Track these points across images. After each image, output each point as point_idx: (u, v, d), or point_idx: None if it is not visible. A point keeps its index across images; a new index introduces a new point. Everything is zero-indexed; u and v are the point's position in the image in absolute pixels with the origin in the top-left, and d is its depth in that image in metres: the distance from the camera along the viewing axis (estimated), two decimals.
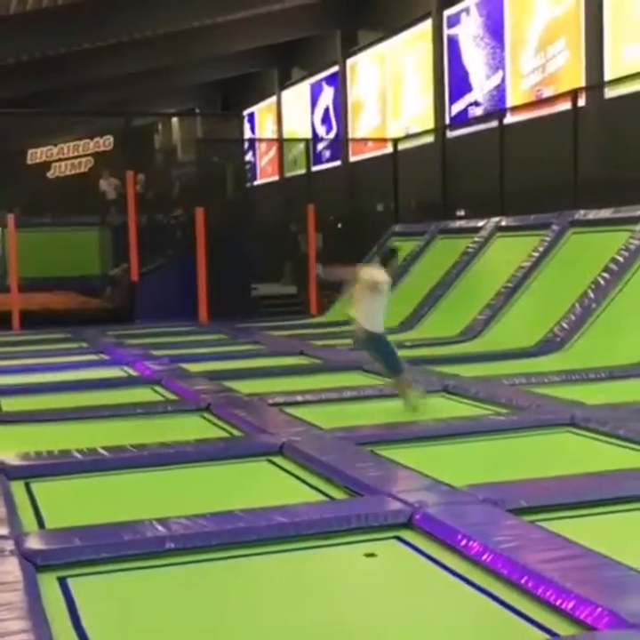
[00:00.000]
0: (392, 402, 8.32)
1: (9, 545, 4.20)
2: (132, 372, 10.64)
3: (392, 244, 8.35)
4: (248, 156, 25.02)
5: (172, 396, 8.90)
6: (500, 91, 19.29)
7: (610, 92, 15.82)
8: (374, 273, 7.84)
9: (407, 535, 4.43)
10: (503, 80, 19.16)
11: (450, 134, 19.74)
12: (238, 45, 27.01)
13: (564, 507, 4.75)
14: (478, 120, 19.13)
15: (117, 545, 4.25)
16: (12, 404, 8.53)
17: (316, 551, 4.33)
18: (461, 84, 20.60)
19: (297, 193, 21.17)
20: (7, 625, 3.32)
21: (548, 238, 13.44)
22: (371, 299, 7.73)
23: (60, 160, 21.74)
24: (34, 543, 4.27)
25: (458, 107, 20.78)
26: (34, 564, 4.04)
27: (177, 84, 31.36)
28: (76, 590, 3.88)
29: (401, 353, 11.36)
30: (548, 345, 11.26)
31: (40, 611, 3.54)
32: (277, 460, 6.12)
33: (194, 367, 10.49)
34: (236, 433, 7.09)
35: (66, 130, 25.08)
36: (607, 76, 16.04)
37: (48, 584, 3.91)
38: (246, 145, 25.99)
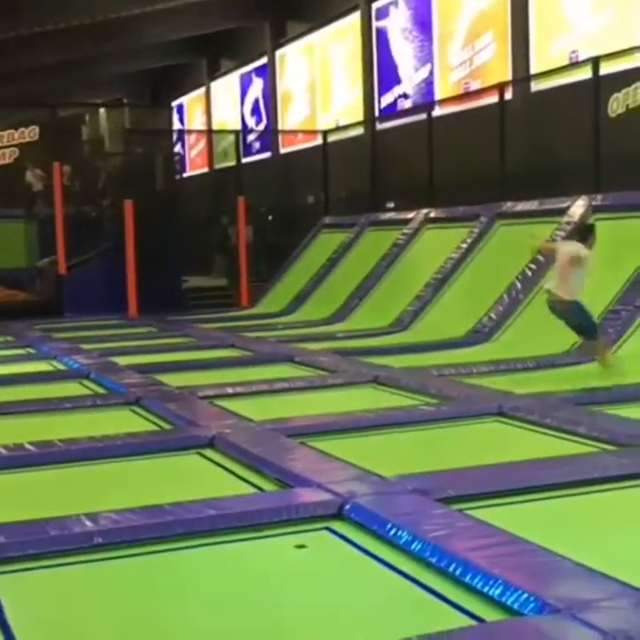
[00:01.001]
0: (322, 393, 8.36)
1: None
2: (61, 366, 10.51)
3: (589, 220, 9.21)
4: (177, 148, 24.82)
5: (101, 390, 8.81)
6: (428, 83, 19.42)
7: (536, 86, 16.03)
8: (576, 248, 8.61)
9: (337, 526, 4.45)
10: (431, 73, 19.29)
11: (379, 126, 19.85)
12: (167, 35, 26.78)
13: (491, 495, 4.80)
14: (407, 112, 19.24)
15: (44, 541, 4.18)
16: None
17: (247, 544, 4.32)
18: (390, 77, 20.68)
19: (227, 185, 21.09)
20: None
21: (476, 230, 13.60)
22: (572, 271, 8.53)
23: None
24: None
25: (387, 99, 20.86)
26: None
27: (105, 75, 30.98)
28: (1, 587, 3.82)
29: (331, 344, 11.47)
30: (477, 335, 11.40)
31: None
32: (208, 452, 6.09)
33: (123, 360, 10.41)
34: (166, 426, 7.05)
35: None
36: (533, 70, 16.24)
37: None
38: (175, 136, 25.77)
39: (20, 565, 4.04)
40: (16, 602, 3.68)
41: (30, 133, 21.23)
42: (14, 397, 8.24)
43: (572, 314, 8.66)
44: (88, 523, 4.33)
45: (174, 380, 8.95)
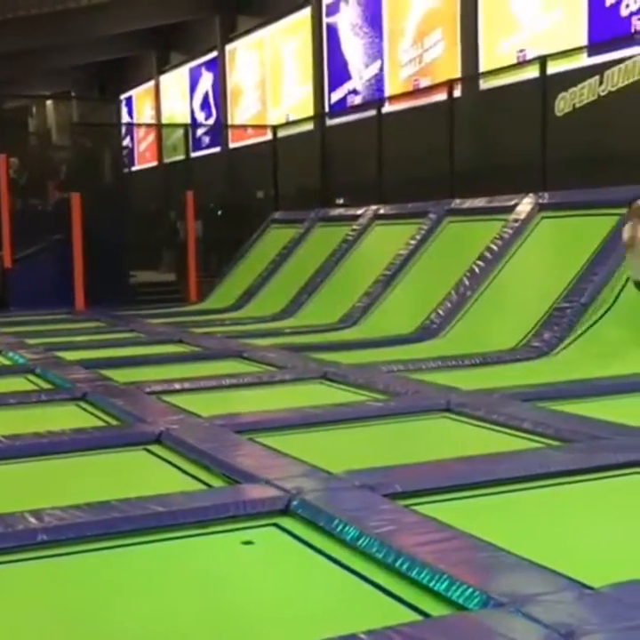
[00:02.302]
0: (271, 389, 8.36)
1: None
2: (5, 361, 10.38)
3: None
4: (126, 141, 24.65)
5: (46, 385, 8.72)
6: (378, 80, 19.46)
7: (484, 84, 16.14)
8: None
9: (285, 522, 4.45)
10: (381, 69, 19.34)
11: (329, 122, 19.87)
12: (116, 28, 26.52)
13: (438, 491, 4.84)
14: (357, 109, 19.27)
15: None
16: None
17: (194, 540, 4.31)
18: (341, 73, 20.70)
19: (176, 179, 20.97)
20: None
21: (425, 227, 13.66)
22: None
23: None
24: None
25: (337, 95, 20.88)
26: None
27: (52, 66, 30.60)
28: None
29: (280, 340, 11.46)
30: (425, 332, 11.45)
31: None
32: (155, 448, 6.06)
33: (70, 355, 10.30)
34: (113, 422, 6.99)
35: None
36: (482, 68, 16.36)
37: None
38: (124, 130, 25.59)
39: None
40: None
41: None
42: None
43: None
44: (32, 519, 4.29)
45: (121, 375, 8.88)
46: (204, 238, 19.65)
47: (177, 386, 8.22)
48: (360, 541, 4.02)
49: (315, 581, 3.84)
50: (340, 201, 18.20)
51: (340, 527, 4.18)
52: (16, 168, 18.55)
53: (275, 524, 4.44)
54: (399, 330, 11.69)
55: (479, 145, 15.70)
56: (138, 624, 3.43)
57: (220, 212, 22.51)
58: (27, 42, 25.10)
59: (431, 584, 3.53)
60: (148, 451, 6.04)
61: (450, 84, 15.07)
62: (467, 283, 11.79)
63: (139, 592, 3.75)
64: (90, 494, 4.85)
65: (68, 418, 7.14)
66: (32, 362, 9.88)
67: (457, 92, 15.43)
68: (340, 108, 20.53)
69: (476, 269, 11.85)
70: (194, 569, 4.01)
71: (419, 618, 3.35)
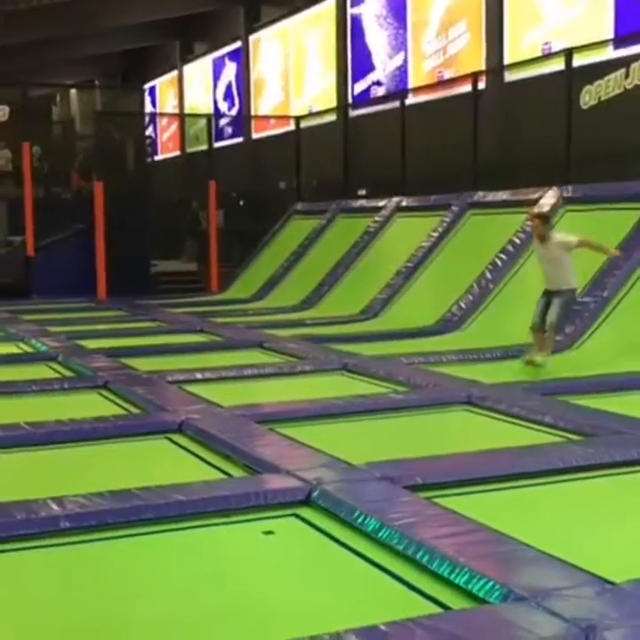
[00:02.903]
0: (291, 380, 8.37)
1: None
2: (28, 349, 10.43)
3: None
4: (149, 131, 24.67)
5: (69, 373, 8.76)
6: (402, 71, 19.39)
7: (509, 76, 16.06)
8: (561, 236, 8.79)
9: (305, 513, 4.46)
10: (405, 61, 19.27)
11: (352, 113, 19.81)
12: (140, 17, 26.54)
13: (458, 484, 4.84)
14: (380, 100, 19.21)
15: (9, 524, 4.16)
16: None
17: (215, 529, 4.32)
18: (364, 64, 20.64)
19: (199, 169, 20.99)
20: None
21: (447, 219, 13.63)
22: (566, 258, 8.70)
23: None
24: None
25: (360, 86, 20.82)
26: None
27: (76, 55, 30.67)
28: None
29: (301, 331, 11.47)
30: (446, 324, 11.43)
31: None
32: (176, 437, 6.08)
33: (92, 344, 10.34)
34: (135, 411, 7.02)
35: None
36: (506, 60, 16.27)
37: None
38: (147, 119, 25.61)
39: None
40: None
41: (0, 113, 21.03)
42: None
43: (567, 295, 8.77)
44: (54, 506, 4.31)
45: (143, 364, 8.91)
46: (226, 228, 19.66)
47: (198, 375, 8.24)
48: (380, 533, 4.03)
49: (335, 572, 3.84)
50: (362, 192, 18.16)
51: (360, 518, 4.18)
52: (38, 156, 18.63)
53: (295, 515, 4.45)
54: (420, 322, 11.67)
55: (503, 137, 15.63)
56: (158, 612, 3.45)
57: (241, 203, 22.52)
58: (51, 31, 25.17)
59: (451, 577, 3.53)
60: (170, 439, 6.06)
61: (474, 77, 15.00)
62: (489, 276, 11.76)
63: (160, 580, 3.77)
64: (111, 482, 4.87)
65: (90, 406, 7.18)
66: (54, 350, 9.92)
67: (481, 85, 15.35)
68: (364, 99, 20.47)
69: (499, 262, 11.81)
70: (215, 558, 4.03)
71: (439, 610, 3.35)
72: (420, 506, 4.34)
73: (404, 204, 15.23)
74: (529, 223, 9.57)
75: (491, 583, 3.39)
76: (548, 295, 8.67)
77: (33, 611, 3.48)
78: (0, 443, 5.86)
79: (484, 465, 5.13)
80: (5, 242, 19.08)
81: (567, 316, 8.94)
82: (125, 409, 7.12)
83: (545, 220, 8.90)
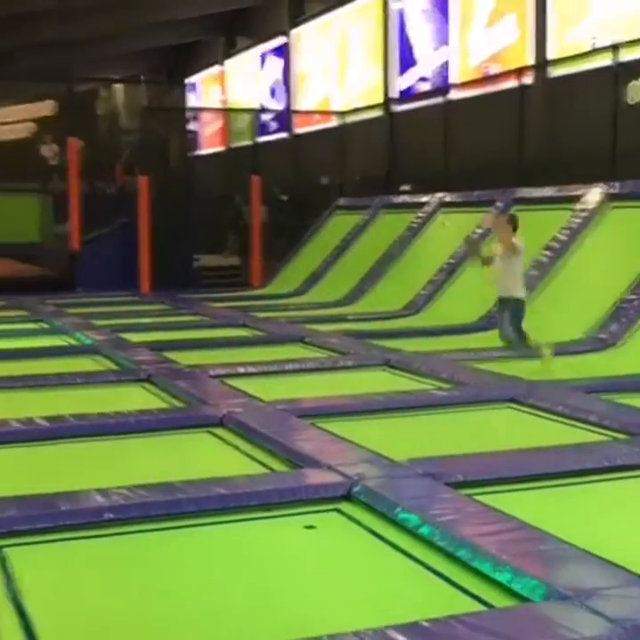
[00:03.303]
0: (333, 375, 8.37)
1: None
2: (73, 342, 10.53)
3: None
4: (193, 126, 24.77)
5: (112, 366, 8.83)
6: (446, 67, 19.32)
7: (555, 71, 15.93)
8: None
9: (346, 508, 4.46)
10: (450, 56, 19.18)
11: (396, 109, 19.77)
12: (184, 12, 26.68)
13: (501, 481, 4.81)
14: (424, 95, 19.15)
15: (55, 515, 4.21)
16: None
17: (256, 523, 4.34)
18: (408, 59, 20.58)
19: (242, 164, 21.05)
20: None
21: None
22: (512, 263, 8.77)
23: (0, 124, 21.36)
24: None
25: (405, 81, 20.76)
26: None
27: (122, 51, 30.89)
28: (12, 561, 3.84)
29: (343, 326, 11.46)
30: (490, 321, 11.32)
31: None
32: (218, 431, 6.10)
33: (135, 337, 10.41)
34: (177, 404, 7.06)
35: (6, 94, 24.61)
36: (551, 55, 16.14)
37: None
38: (191, 114, 25.72)
39: (31, 539, 4.07)
40: (27, 575, 3.71)
41: (47, 108, 21.22)
42: (27, 371, 8.25)
43: (514, 308, 8.72)
44: (99, 498, 4.35)
45: (185, 358, 8.96)
46: (269, 223, 19.70)
47: (240, 369, 8.26)
48: (422, 529, 4.02)
49: (376, 568, 3.84)
50: (406, 188, 18.11)
51: (402, 514, 4.18)
52: (82, 151, 18.76)
53: (337, 510, 4.45)
54: (463, 318, 11.61)
55: (548, 133, 15.51)
56: (198, 605, 3.47)
57: (284, 198, 22.55)
58: (98, 26, 25.37)
59: (494, 574, 3.52)
60: (212, 433, 6.08)
61: (520, 72, 14.90)
62: (533, 272, 11.66)
63: (201, 573, 3.79)
64: (154, 474, 4.91)
65: (133, 399, 7.24)
66: (99, 343, 10.01)
67: (527, 80, 15.24)
68: (408, 94, 20.42)
69: (543, 259, 11.71)
70: (256, 552, 4.04)
71: (481, 608, 3.34)
72: (461, 503, 4.32)
73: (447, 199, 15.16)
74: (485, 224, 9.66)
75: (533, 582, 3.37)
76: (501, 305, 8.76)
77: (76, 601, 3.52)
78: (46, 434, 5.92)
79: (527, 463, 5.10)
80: (52, 235, 19.26)
81: (520, 325, 8.92)
82: (168, 402, 7.16)
83: (512, 222, 9.07)
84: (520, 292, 8.64)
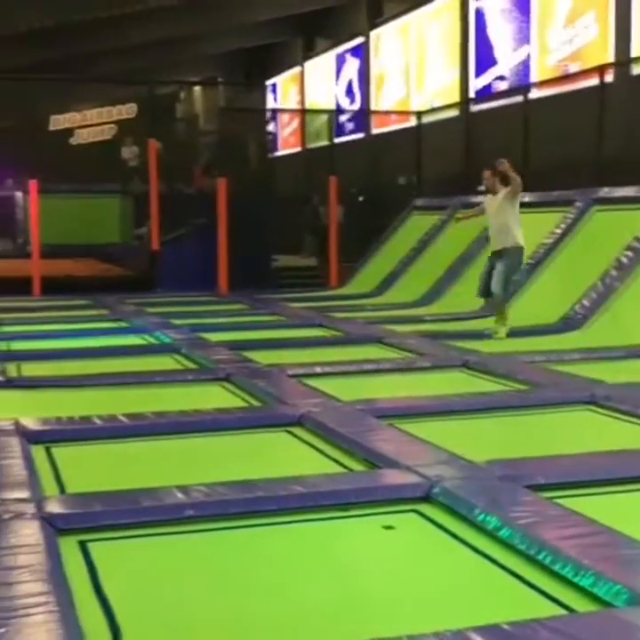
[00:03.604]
0: (410, 376, 8.35)
1: (30, 508, 4.24)
2: (152, 341, 10.68)
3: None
4: (270, 127, 24.94)
5: (191, 365, 8.94)
6: (525, 65, 19.13)
7: (637, 69, 15.66)
8: (504, 190, 8.85)
9: (425, 509, 4.45)
10: (529, 55, 18.99)
11: (474, 108, 19.64)
12: (263, 14, 26.87)
13: (581, 484, 4.75)
14: (503, 94, 18.99)
15: (137, 511, 4.28)
16: (32, 369, 8.58)
17: (335, 522, 4.35)
18: (487, 58, 20.43)
19: (319, 164, 21.11)
20: (29, 587, 3.36)
21: (571, 215, 13.36)
22: (508, 209, 8.82)
23: (82, 127, 21.76)
24: (55, 507, 4.31)
25: (483, 81, 20.62)
26: (55, 527, 4.08)
27: (200, 53, 31.24)
28: (96, 555, 3.92)
29: (420, 327, 11.42)
30: (569, 323, 11.22)
31: (61, 574, 3.57)
32: (296, 430, 6.13)
33: (213, 337, 10.52)
34: (255, 403, 7.11)
35: (88, 97, 25.04)
36: (634, 53, 15.87)
37: (69, 548, 3.94)
38: (269, 115, 25.90)
39: (113, 534, 4.14)
40: (110, 569, 3.78)
41: (128, 110, 21.54)
42: (108, 370, 8.40)
43: (513, 256, 8.42)
44: (180, 495, 4.41)
45: (263, 357, 9.02)
46: (346, 224, 19.73)
47: (318, 369, 8.28)
48: (502, 532, 3.99)
49: (455, 570, 3.83)
50: (483, 188, 17.96)
51: (481, 516, 4.15)
52: (160, 153, 19.01)
53: (415, 511, 4.44)
54: (541, 320, 11.48)
55: (629, 131, 15.25)
56: (276, 603, 3.49)
57: (361, 198, 22.56)
58: (175, 29, 25.68)
59: (576, 579, 3.47)
60: (290, 432, 6.12)
61: (601, 70, 14.67)
62: (614, 274, 11.49)
63: (279, 571, 3.82)
64: (233, 473, 4.97)
65: (212, 397, 7.31)
66: (178, 342, 10.13)
67: (608, 78, 15.01)
68: (486, 93, 20.27)
69: (624, 260, 11.53)
70: (334, 551, 4.06)
71: (563, 612, 3.30)
72: (542, 506, 4.28)
73: (525, 199, 14.95)
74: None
75: (617, 586, 3.32)
76: (493, 258, 8.38)
77: (156, 595, 3.57)
78: (127, 432, 6.02)
79: (609, 466, 5.03)
80: (134, 236, 19.58)
81: (510, 280, 8.56)
82: (246, 401, 7.22)
83: (500, 175, 8.86)
84: (521, 239, 8.38)
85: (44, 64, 23.49)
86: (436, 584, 3.67)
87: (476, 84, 20.79)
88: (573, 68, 17.46)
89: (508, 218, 8.08)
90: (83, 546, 4.00)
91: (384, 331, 11.09)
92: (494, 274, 8.12)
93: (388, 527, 4.27)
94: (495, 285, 8.04)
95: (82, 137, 22.16)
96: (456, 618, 3.24)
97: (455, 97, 21.02)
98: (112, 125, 21.92)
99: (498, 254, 8.11)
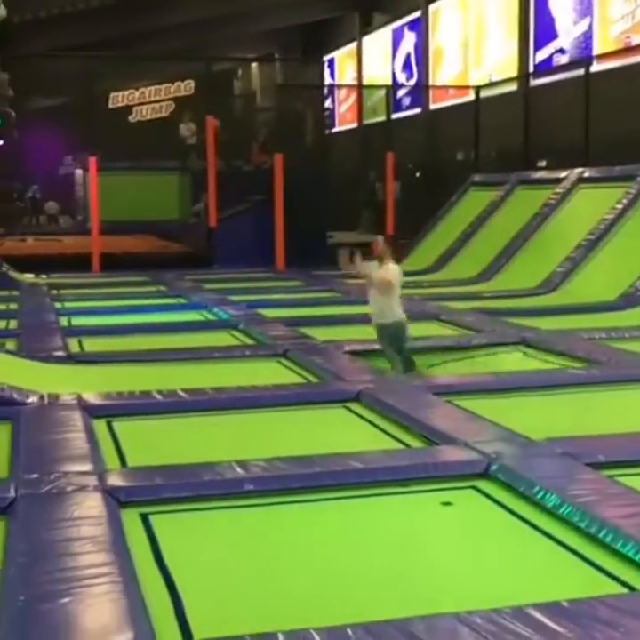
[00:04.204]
0: (468, 353, 8.31)
1: (93, 481, 4.31)
2: (210, 317, 10.75)
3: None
4: (327, 103, 24.84)
5: (249, 341, 8.98)
6: (586, 38, 18.79)
7: None
8: (384, 271, 7.78)
9: (484, 485, 4.44)
10: (590, 27, 18.65)
11: (533, 82, 19.36)
12: None
13: None
14: (563, 68, 18.69)
15: (198, 484, 4.33)
16: (93, 345, 8.70)
17: (393, 498, 4.36)
18: (547, 31, 20.10)
19: (376, 140, 21.01)
20: (92, 557, 3.42)
21: (632, 190, 13.16)
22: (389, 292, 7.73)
23: (141, 104, 21.92)
24: (117, 480, 4.38)
25: (542, 54, 20.31)
26: (117, 500, 4.15)
27: (257, 29, 31.16)
28: (157, 527, 3.98)
29: (478, 304, 11.34)
30: (629, 299, 11.07)
31: (123, 545, 3.64)
32: (354, 406, 6.14)
33: (270, 313, 10.55)
34: (313, 379, 7.13)
35: (146, 74, 25.16)
36: None
37: (130, 520, 4.01)
38: (326, 91, 25.78)
39: (174, 507, 4.21)
40: (171, 541, 3.84)
41: (186, 87, 21.61)
42: (166, 345, 8.49)
43: (399, 331, 7.74)
44: (239, 469, 4.45)
45: (320, 333, 9.03)
46: (402, 199, 19.62)
47: (375, 346, 8.25)
48: (561, 509, 3.97)
49: (513, 546, 3.82)
50: (543, 163, 17.76)
51: (540, 494, 4.13)
52: (219, 130, 19.06)
53: (473, 487, 4.44)
54: (601, 297, 11.35)
55: None
56: (334, 576, 3.52)
57: (418, 174, 22.43)
58: (233, 5, 25.67)
59: (637, 557, 3.45)
60: (347, 408, 6.13)
61: None
62: None
63: (338, 545, 3.84)
64: (291, 448, 4.99)
65: (270, 373, 7.34)
66: (235, 318, 10.18)
67: None
68: (546, 67, 19.97)
69: None
70: (393, 526, 4.07)
71: (623, 590, 3.28)
72: (602, 484, 4.24)
73: (586, 175, 14.79)
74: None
75: None
76: (380, 333, 7.70)
77: (214, 569, 3.61)
78: (186, 406, 6.08)
79: None
80: (192, 213, 19.68)
81: (404, 349, 7.89)
82: (304, 377, 7.24)
83: (391, 243, 8.30)
84: (399, 314, 7.77)
85: (104, 42, 23.64)
86: (495, 560, 3.66)
87: (535, 57, 20.48)
88: (636, 39, 17.12)
89: (392, 295, 7.69)
90: (144, 518, 4.06)
91: (441, 307, 11.04)
92: (387, 354, 7.83)
93: (447, 503, 4.27)
94: (395, 365, 7.73)
95: (140, 114, 22.31)
96: (514, 594, 3.24)
97: (514, 71, 20.74)
98: (170, 102, 22.02)
99: (382, 329, 7.74)
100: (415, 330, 9.33)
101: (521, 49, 20.87)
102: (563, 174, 15.31)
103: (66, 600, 3.07)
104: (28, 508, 3.99)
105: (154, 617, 3.07)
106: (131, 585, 3.24)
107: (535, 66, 20.44)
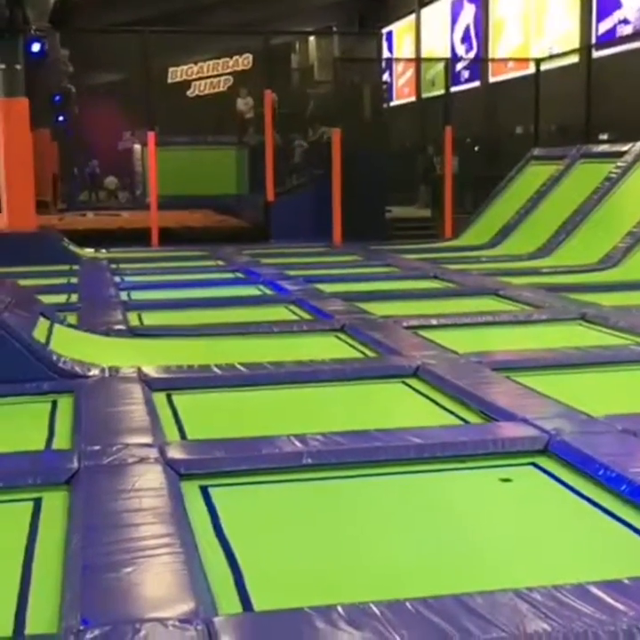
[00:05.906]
0: (528, 328, 8.24)
1: (153, 453, 4.36)
2: (268, 291, 10.79)
3: None
4: (385, 76, 24.68)
5: (306, 316, 9.00)
6: None
7: None
8: None
9: (544, 462, 4.41)
10: None
11: (596, 54, 19.03)
12: None
13: None
14: (627, 39, 18.34)
15: (257, 458, 4.36)
16: (152, 319, 8.79)
17: (451, 474, 4.36)
18: (610, 1, 19.74)
19: (434, 114, 20.85)
20: (153, 528, 3.47)
21: None
22: None
23: (199, 79, 21.96)
24: (177, 452, 4.42)
25: (605, 25, 19.94)
26: (177, 472, 4.19)
27: (315, 3, 31.05)
28: (217, 499, 4.02)
29: (537, 279, 11.24)
30: None
31: (184, 516, 3.68)
32: (412, 382, 6.13)
33: (328, 288, 10.56)
34: (371, 354, 7.13)
35: (204, 49, 25.19)
36: None
37: (190, 492, 4.05)
38: (383, 65, 25.61)
39: (234, 479, 4.24)
40: (231, 513, 3.87)
41: (243, 61, 21.62)
42: (225, 320, 8.54)
43: None
44: (297, 443, 4.47)
45: (378, 308, 9.01)
46: (461, 174, 19.47)
47: (433, 321, 8.24)
48: (623, 487, 3.93)
49: (574, 523, 3.79)
50: (604, 137, 17.49)
51: (601, 471, 4.10)
52: (277, 104, 19.06)
53: (533, 464, 4.41)
54: None
55: None
56: (391, 552, 3.53)
57: (476, 148, 22.23)
58: None
59: None
60: (406, 384, 6.12)
61: None
62: None
63: (395, 521, 3.84)
64: (349, 423, 5.01)
65: (328, 348, 7.35)
66: (293, 293, 10.21)
67: None
68: (608, 38, 19.61)
69: None
70: (450, 503, 4.06)
71: None
72: None
73: None
74: None
75: None
76: None
77: (274, 542, 3.64)
78: (245, 380, 6.12)
79: None
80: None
81: None
82: (362, 352, 7.24)
83: None
84: None
85: (163, 17, 23.71)
86: (555, 537, 3.64)
87: (598, 29, 20.13)
88: None
89: None
90: (204, 490, 4.11)
91: (500, 283, 10.95)
92: None
93: (506, 480, 4.25)
94: None
95: (198, 89, 22.37)
96: (575, 572, 3.22)
97: (575, 43, 20.41)
98: (228, 77, 22.04)
99: None
100: (473, 305, 9.34)
101: (583, 20, 20.52)
102: (625, 148, 15.05)
103: (129, 569, 3.12)
104: (91, 478, 4.06)
105: (214, 588, 3.11)
106: (192, 556, 3.28)
107: (598, 37, 20.09)
